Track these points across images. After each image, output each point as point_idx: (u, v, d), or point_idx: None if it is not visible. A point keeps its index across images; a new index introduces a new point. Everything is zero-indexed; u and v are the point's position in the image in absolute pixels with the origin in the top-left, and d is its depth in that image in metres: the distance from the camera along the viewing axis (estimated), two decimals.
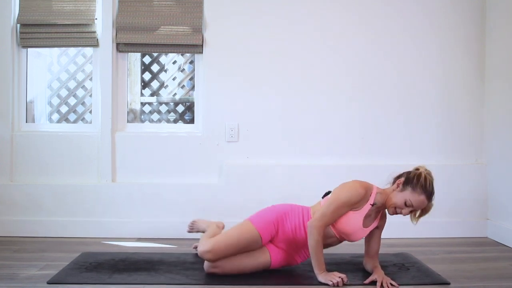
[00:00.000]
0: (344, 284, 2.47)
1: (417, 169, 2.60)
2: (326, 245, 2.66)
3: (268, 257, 2.63)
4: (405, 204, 2.53)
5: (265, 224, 2.63)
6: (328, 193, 2.71)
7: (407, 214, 2.57)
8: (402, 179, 2.59)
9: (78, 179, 3.60)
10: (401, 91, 3.72)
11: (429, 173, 2.58)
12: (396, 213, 2.58)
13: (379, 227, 2.70)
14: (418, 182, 2.53)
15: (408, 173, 2.60)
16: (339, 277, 2.47)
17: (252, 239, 2.60)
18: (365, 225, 2.60)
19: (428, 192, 2.53)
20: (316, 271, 2.53)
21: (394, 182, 2.64)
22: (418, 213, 2.60)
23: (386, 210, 2.66)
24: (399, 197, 2.54)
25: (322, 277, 2.50)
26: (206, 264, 2.61)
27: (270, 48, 3.67)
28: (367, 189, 2.58)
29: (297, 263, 2.74)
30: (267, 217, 2.66)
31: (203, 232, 3.00)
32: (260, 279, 2.58)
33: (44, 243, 3.32)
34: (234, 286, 2.48)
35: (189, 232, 3.17)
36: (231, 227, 2.67)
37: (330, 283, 2.46)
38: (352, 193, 2.54)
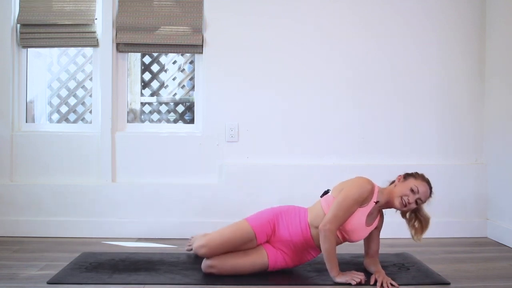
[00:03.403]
0: (360, 284, 2.48)
1: None
2: None
3: (265, 258, 2.61)
4: (411, 190, 2.57)
5: (261, 223, 2.64)
6: (326, 192, 2.71)
7: (413, 204, 2.57)
8: (402, 175, 2.67)
9: (78, 179, 3.59)
10: (401, 91, 3.72)
11: None
12: (404, 204, 2.57)
13: (377, 227, 2.72)
14: (418, 174, 2.65)
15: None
16: (358, 276, 2.50)
17: (247, 237, 2.60)
18: (367, 223, 2.61)
19: (429, 182, 2.63)
20: (332, 274, 2.52)
21: (391, 183, 2.71)
22: (419, 228, 2.64)
23: (383, 210, 2.70)
24: (404, 186, 2.60)
25: (340, 278, 2.50)
26: (203, 264, 2.61)
27: (270, 48, 3.67)
28: (371, 185, 2.60)
29: (296, 265, 2.72)
30: (263, 217, 2.67)
31: None
32: (261, 279, 2.58)
33: (44, 243, 3.32)
34: (234, 286, 2.48)
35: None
36: (228, 225, 2.68)
37: (354, 282, 2.47)
38: (362, 189, 2.55)
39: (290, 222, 2.65)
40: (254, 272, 2.61)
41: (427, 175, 2.67)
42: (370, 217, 2.62)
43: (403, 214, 2.73)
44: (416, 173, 2.66)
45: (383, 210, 2.72)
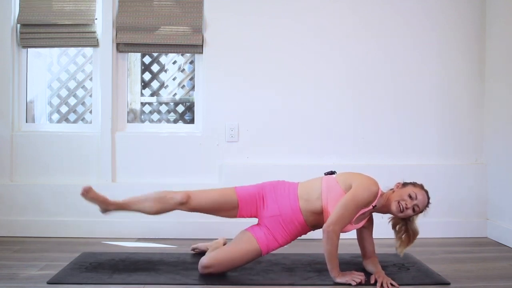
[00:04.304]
0: (360, 284, 2.48)
1: None
2: (313, 225, 2.66)
3: (256, 244, 2.60)
4: (409, 196, 2.55)
5: (247, 195, 2.69)
6: (332, 172, 2.74)
7: (410, 210, 2.54)
8: (400, 182, 2.67)
9: (78, 179, 3.59)
10: (401, 91, 3.72)
11: None
12: (400, 210, 2.54)
13: (367, 228, 2.72)
14: (417, 183, 2.64)
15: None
16: (359, 277, 2.50)
17: (228, 197, 2.67)
18: (354, 221, 2.61)
19: (427, 192, 2.62)
20: (333, 274, 2.52)
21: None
22: (405, 241, 2.62)
23: (372, 214, 2.70)
24: (402, 192, 2.59)
25: (340, 279, 2.50)
26: (200, 266, 2.61)
27: (270, 48, 3.67)
28: (377, 187, 2.60)
29: (288, 242, 2.71)
30: (251, 190, 2.72)
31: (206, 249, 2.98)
32: (261, 279, 2.58)
33: (44, 243, 3.32)
34: (234, 286, 2.48)
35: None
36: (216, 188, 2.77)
37: (354, 283, 2.47)
38: (369, 192, 2.54)
39: (279, 194, 2.68)
40: (251, 260, 2.63)
41: (427, 176, 2.67)
42: (359, 217, 2.62)
43: (394, 225, 2.70)
44: (415, 182, 2.65)
45: (382, 215, 2.71)
